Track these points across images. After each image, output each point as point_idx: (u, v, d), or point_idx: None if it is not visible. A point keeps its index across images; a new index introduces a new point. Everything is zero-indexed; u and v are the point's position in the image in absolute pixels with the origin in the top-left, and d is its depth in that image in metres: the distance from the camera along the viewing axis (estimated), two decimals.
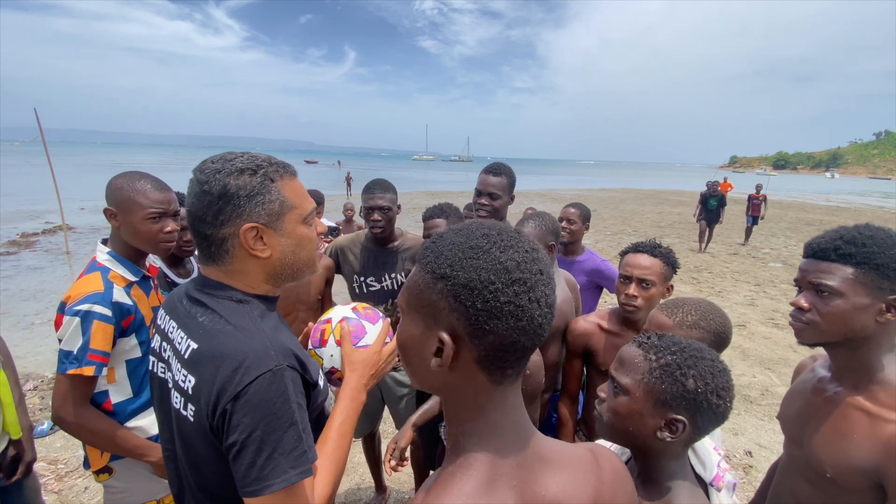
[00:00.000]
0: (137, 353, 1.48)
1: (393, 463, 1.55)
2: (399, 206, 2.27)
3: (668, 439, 0.83)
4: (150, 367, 1.00)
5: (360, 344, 1.11)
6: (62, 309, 1.35)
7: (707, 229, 11.01)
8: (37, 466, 1.64)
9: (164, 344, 0.94)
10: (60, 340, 1.32)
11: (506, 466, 0.55)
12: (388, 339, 1.16)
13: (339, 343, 1.11)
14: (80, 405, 1.33)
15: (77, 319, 1.31)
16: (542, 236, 1.79)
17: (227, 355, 0.80)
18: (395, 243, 2.30)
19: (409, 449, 2.19)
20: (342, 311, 1.17)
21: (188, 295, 0.93)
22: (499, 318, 0.51)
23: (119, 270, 1.46)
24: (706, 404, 0.82)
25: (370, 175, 2.75)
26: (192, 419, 0.84)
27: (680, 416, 0.82)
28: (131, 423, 1.46)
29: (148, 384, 1.49)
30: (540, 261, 0.55)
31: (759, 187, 12.08)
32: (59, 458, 3.01)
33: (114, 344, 1.38)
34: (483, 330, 0.51)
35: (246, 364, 0.78)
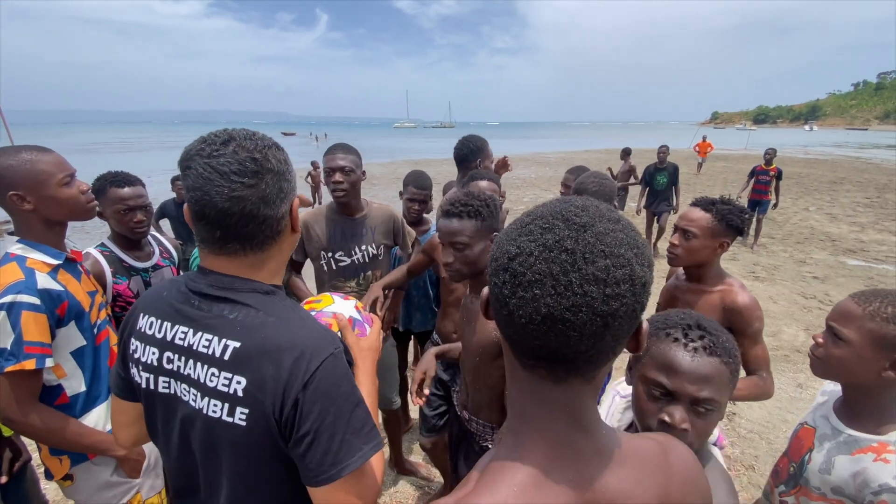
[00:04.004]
0: (82, 342, 1.38)
1: (426, 392, 1.56)
2: (364, 173, 2.17)
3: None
4: (143, 385, 0.86)
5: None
6: None
7: (655, 221, 7.00)
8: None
9: (170, 354, 0.82)
10: None
11: (561, 458, 0.51)
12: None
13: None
14: (28, 403, 1.24)
15: (2, 313, 1.19)
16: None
17: (285, 347, 0.77)
18: (362, 213, 2.21)
19: (430, 447, 2.24)
20: (346, 307, 1.17)
21: (199, 293, 0.82)
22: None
23: (36, 256, 1.31)
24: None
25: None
26: (243, 424, 0.76)
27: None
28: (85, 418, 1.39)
29: (100, 375, 1.44)
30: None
31: (770, 155, 7.48)
32: None
33: (53, 336, 1.28)
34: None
35: (308, 352, 0.77)
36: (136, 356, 0.86)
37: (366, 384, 1.02)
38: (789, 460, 1.24)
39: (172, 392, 0.83)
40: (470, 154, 2.46)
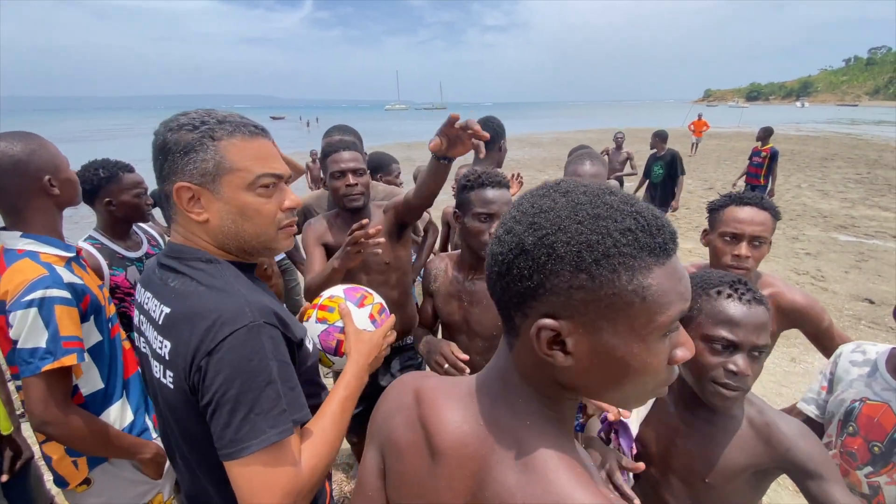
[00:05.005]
0: (98, 338, 1.33)
1: (462, 356, 1.42)
2: (365, 154, 2.10)
3: None
4: (137, 345, 0.98)
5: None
6: (1, 310, 1.15)
7: None
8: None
9: (142, 317, 0.93)
10: (15, 342, 1.12)
11: (480, 411, 0.57)
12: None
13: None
14: (66, 405, 1.17)
15: (33, 310, 1.12)
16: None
17: (201, 314, 0.78)
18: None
19: None
20: (360, 318, 1.17)
21: (159, 263, 0.91)
22: None
23: (48, 250, 1.24)
24: None
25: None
26: (171, 386, 0.82)
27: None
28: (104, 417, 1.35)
29: (116, 372, 1.40)
30: None
31: (765, 134, 6.79)
32: None
33: None
34: None
35: (220, 321, 0.76)
36: (134, 321, 0.98)
37: (348, 375, 0.99)
38: (866, 441, 1.18)
39: (145, 350, 0.93)
40: (495, 135, 2.41)
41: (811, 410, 1.34)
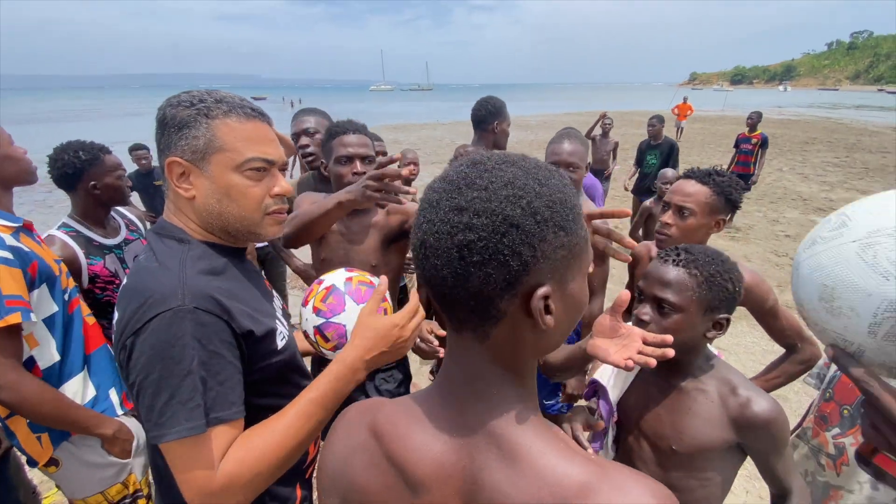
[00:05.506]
0: (54, 308, 1.31)
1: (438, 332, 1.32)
2: None
3: (718, 336, 1.02)
4: None
5: (333, 319, 1.09)
6: None
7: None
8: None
9: None
10: None
11: (439, 411, 0.56)
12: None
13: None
14: (18, 369, 1.15)
15: None
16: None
17: (140, 291, 0.78)
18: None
19: None
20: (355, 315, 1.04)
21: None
22: None
23: None
24: (737, 297, 1.01)
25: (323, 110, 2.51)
26: (119, 357, 0.83)
27: (725, 315, 1.01)
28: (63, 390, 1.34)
29: (74, 346, 1.38)
30: None
31: (752, 120, 6.44)
32: None
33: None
34: None
35: (150, 301, 0.76)
36: None
37: (328, 377, 0.86)
38: (839, 405, 1.24)
39: None
40: (488, 116, 2.34)
41: (810, 382, 1.46)
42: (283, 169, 0.95)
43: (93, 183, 1.68)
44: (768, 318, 1.45)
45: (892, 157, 12.61)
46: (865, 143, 15.61)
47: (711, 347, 1.15)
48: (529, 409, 0.51)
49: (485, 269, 0.44)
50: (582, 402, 1.42)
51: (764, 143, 6.37)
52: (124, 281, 0.85)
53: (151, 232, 0.91)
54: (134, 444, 1.44)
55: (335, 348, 1.10)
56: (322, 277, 1.17)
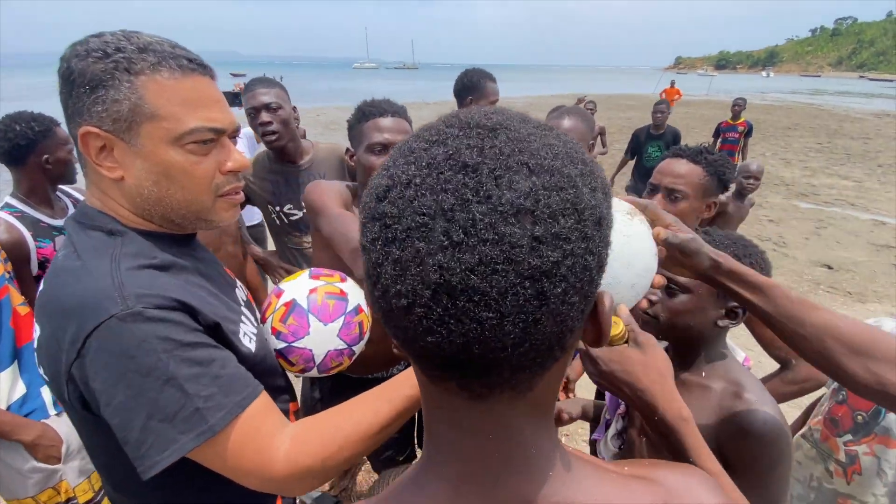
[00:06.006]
0: None
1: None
2: (295, 108, 1.89)
3: (730, 325, 0.93)
4: None
5: (296, 344, 0.91)
6: None
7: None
8: None
9: None
10: None
11: None
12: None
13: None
14: None
15: None
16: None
17: (61, 303, 0.63)
18: (308, 157, 1.88)
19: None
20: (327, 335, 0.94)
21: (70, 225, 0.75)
22: None
23: None
24: None
25: (304, 88, 2.32)
26: (48, 378, 0.69)
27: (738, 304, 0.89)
28: None
29: (2, 334, 1.26)
30: None
31: (738, 107, 6.08)
32: None
33: None
34: None
35: (80, 313, 0.61)
36: None
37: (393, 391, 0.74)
38: (852, 409, 1.18)
39: None
40: (462, 90, 2.20)
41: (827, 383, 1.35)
42: (233, 136, 0.77)
43: (45, 157, 1.53)
44: (753, 321, 1.27)
45: (874, 143, 12.83)
46: (847, 129, 15.83)
47: (739, 350, 1.07)
48: (559, 447, 0.38)
49: (572, 300, 0.29)
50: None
51: (749, 131, 6.06)
52: (40, 287, 0.68)
53: (72, 220, 0.73)
54: (63, 448, 1.33)
55: (303, 371, 0.96)
56: (282, 287, 0.98)
